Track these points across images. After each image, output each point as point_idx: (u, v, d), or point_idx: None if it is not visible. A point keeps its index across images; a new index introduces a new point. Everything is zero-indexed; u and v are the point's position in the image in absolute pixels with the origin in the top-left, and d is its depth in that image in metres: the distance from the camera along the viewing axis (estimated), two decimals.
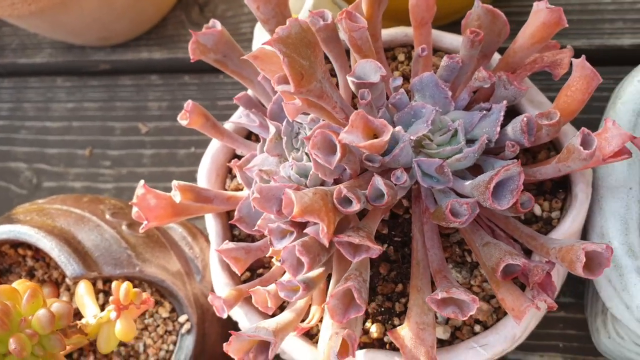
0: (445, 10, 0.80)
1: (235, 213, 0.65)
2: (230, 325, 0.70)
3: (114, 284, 0.63)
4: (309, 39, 0.51)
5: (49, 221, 0.75)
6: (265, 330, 0.53)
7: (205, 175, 0.72)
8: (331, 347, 0.52)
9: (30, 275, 0.79)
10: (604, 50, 0.90)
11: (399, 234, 0.64)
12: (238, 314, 0.66)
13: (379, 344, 0.62)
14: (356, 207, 0.51)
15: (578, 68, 0.54)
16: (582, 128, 0.51)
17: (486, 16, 0.59)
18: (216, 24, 0.65)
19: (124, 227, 0.77)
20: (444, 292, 0.51)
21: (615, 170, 0.61)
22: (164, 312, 0.75)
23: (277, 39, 0.49)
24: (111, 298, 0.63)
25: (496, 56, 0.65)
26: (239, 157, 0.69)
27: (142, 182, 0.64)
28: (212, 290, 0.72)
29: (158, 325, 0.75)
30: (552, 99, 0.62)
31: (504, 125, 0.57)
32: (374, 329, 0.62)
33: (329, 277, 0.60)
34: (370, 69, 0.55)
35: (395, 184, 0.55)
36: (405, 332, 0.54)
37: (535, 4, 0.56)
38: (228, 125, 0.72)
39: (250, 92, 0.70)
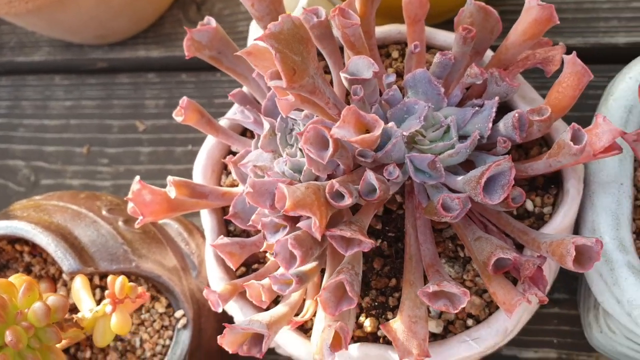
0: (439, 9, 0.81)
1: (230, 209, 0.65)
2: (226, 320, 0.71)
3: (109, 278, 0.64)
4: (301, 34, 0.52)
5: (46, 217, 0.76)
6: (258, 323, 0.53)
7: (200, 172, 0.72)
8: (324, 339, 0.52)
9: (28, 271, 0.80)
10: (598, 48, 0.91)
11: (392, 229, 0.65)
12: (233, 308, 0.66)
13: (372, 338, 0.63)
14: (348, 201, 0.51)
15: (569, 64, 0.55)
16: (573, 123, 0.51)
17: (479, 13, 0.59)
18: (211, 21, 0.65)
19: (120, 223, 0.78)
20: (435, 285, 0.51)
21: (607, 166, 0.61)
22: (160, 308, 0.76)
23: (269, 35, 0.49)
24: (107, 292, 0.63)
25: (489, 53, 0.66)
26: (234, 154, 0.70)
27: (137, 177, 0.64)
28: (208, 285, 0.72)
29: (154, 321, 0.76)
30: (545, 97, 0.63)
31: (496, 121, 0.57)
32: (367, 323, 0.63)
33: (323, 272, 0.61)
34: (363, 65, 0.55)
35: (388, 179, 0.55)
36: (397, 325, 0.54)
37: (527, 1, 0.57)
38: (223, 122, 0.72)
39: (245, 89, 0.71)
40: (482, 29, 0.60)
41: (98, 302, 0.72)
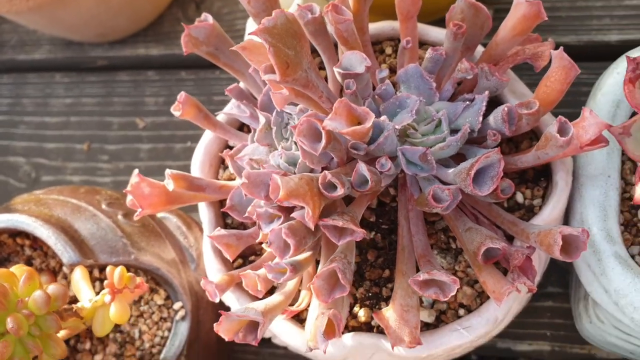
0: (432, 8, 0.82)
1: (227, 201, 0.66)
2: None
3: (108, 268, 0.65)
4: (295, 29, 0.53)
5: (46, 211, 0.77)
6: (254, 311, 0.54)
7: (198, 166, 0.74)
8: (317, 326, 0.54)
9: (28, 264, 0.81)
10: (591, 46, 0.92)
11: (386, 221, 0.66)
12: (230, 299, 0.68)
13: (366, 327, 0.64)
14: (340, 191, 0.52)
15: (557, 59, 0.56)
16: (559, 116, 0.53)
17: (469, 10, 0.61)
18: (208, 18, 0.67)
19: (119, 217, 0.79)
20: (426, 273, 0.53)
21: (595, 159, 0.62)
22: (159, 300, 0.77)
23: (263, 29, 0.50)
24: (105, 282, 0.64)
25: (480, 49, 0.67)
26: (232, 148, 0.71)
27: (136, 171, 0.66)
28: (206, 277, 0.73)
29: (153, 312, 0.77)
30: None
31: (486, 115, 0.59)
32: (361, 313, 0.64)
33: (319, 263, 0.62)
34: (356, 60, 0.57)
35: (381, 172, 0.57)
36: (390, 313, 0.56)
37: None
38: (221, 116, 0.73)
39: (241, 84, 0.72)
40: (473, 25, 0.61)
41: (97, 294, 0.73)
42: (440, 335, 0.61)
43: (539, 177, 0.65)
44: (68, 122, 1.11)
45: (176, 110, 0.68)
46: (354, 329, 0.64)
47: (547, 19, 0.58)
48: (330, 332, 0.54)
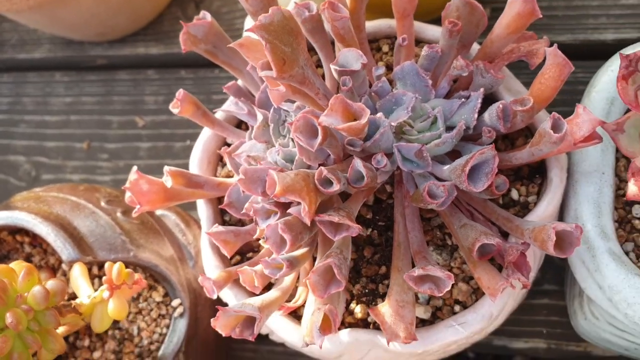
0: (430, 7, 0.83)
1: (225, 198, 0.67)
2: None
3: (106, 265, 0.66)
4: (291, 26, 0.53)
5: (46, 208, 0.78)
6: (250, 306, 0.55)
7: (197, 163, 0.74)
8: (313, 322, 0.54)
9: (28, 261, 0.82)
10: (587, 44, 0.93)
11: (382, 218, 0.67)
12: (228, 295, 0.68)
13: (363, 324, 0.65)
14: (336, 187, 0.53)
15: (551, 56, 0.56)
16: (553, 113, 0.53)
17: (464, 7, 0.61)
18: (206, 15, 0.67)
19: (118, 214, 0.80)
20: (421, 269, 0.53)
21: (590, 155, 0.63)
22: (157, 297, 0.78)
23: (260, 26, 0.51)
24: (104, 278, 0.65)
25: (476, 46, 0.67)
26: (230, 145, 0.72)
27: (135, 168, 0.66)
28: (204, 273, 0.74)
29: (152, 309, 0.78)
30: None
31: (481, 112, 0.59)
32: (358, 310, 0.64)
33: (316, 260, 0.62)
34: (352, 58, 0.57)
35: (377, 168, 0.57)
36: (385, 309, 0.56)
37: None
38: (219, 114, 0.74)
39: (239, 82, 0.73)
40: (468, 22, 0.62)
41: (96, 291, 0.73)
42: (435, 331, 0.61)
43: (534, 174, 0.65)
44: (68, 120, 1.12)
45: (175, 108, 0.68)
46: (350, 325, 0.64)
47: (541, 16, 0.58)
48: (326, 327, 0.54)
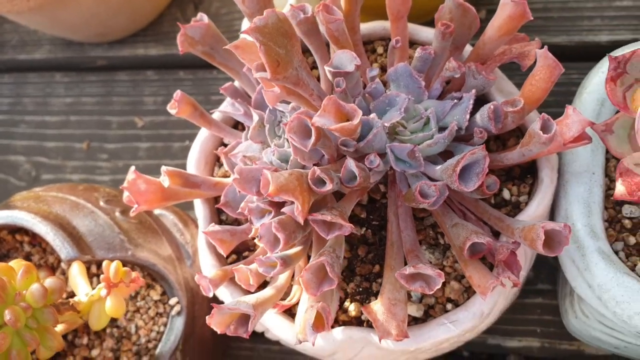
0: (424, 9, 0.84)
1: (222, 198, 0.68)
2: None
3: (104, 263, 0.67)
4: (286, 29, 0.54)
5: (45, 207, 0.79)
6: (245, 304, 0.56)
7: (194, 163, 0.75)
8: (306, 319, 0.55)
9: (27, 260, 0.83)
10: (582, 46, 0.93)
11: (376, 218, 0.68)
12: (224, 293, 0.69)
13: (357, 322, 0.65)
14: (329, 187, 0.54)
15: (541, 58, 0.57)
16: (542, 114, 0.54)
17: (457, 10, 0.62)
18: (203, 17, 0.68)
19: (117, 214, 0.81)
20: (412, 267, 0.54)
21: (580, 156, 0.64)
22: (155, 295, 0.79)
23: (254, 28, 0.52)
24: (101, 276, 0.66)
25: (469, 48, 0.68)
26: (227, 146, 0.73)
27: (132, 167, 0.67)
28: (200, 272, 0.75)
29: (149, 308, 0.79)
30: None
31: (473, 113, 0.60)
32: (352, 308, 0.65)
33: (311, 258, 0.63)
34: (346, 59, 0.58)
35: (370, 168, 0.58)
36: (377, 307, 0.57)
37: None
38: (216, 115, 0.75)
39: (236, 83, 0.74)
40: (461, 24, 0.63)
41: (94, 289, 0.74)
42: (428, 329, 0.62)
43: (526, 174, 0.66)
44: (68, 121, 1.13)
45: (172, 109, 0.69)
46: (344, 323, 0.65)
47: (532, 18, 0.59)
48: (319, 325, 0.55)
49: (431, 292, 0.54)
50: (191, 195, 0.70)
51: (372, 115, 0.58)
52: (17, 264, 0.63)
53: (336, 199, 0.62)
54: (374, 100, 0.61)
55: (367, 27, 0.74)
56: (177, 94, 0.69)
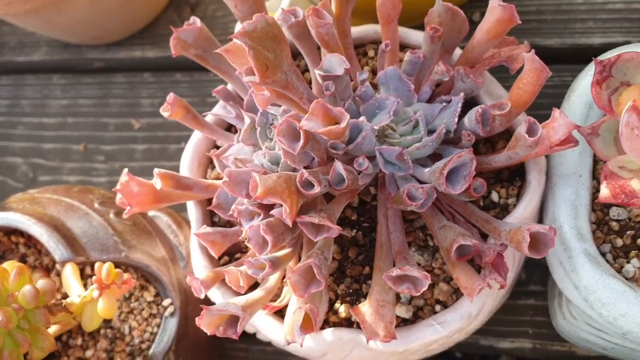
0: (414, 13, 0.84)
1: (214, 200, 0.68)
2: None
3: (96, 265, 0.67)
4: (275, 33, 0.55)
5: (40, 209, 0.79)
6: (234, 306, 0.56)
7: (187, 165, 0.76)
8: (294, 320, 0.56)
9: (23, 261, 0.83)
10: (575, 48, 0.94)
11: (367, 220, 0.68)
12: (215, 295, 0.70)
13: (347, 323, 0.66)
14: (317, 189, 0.54)
15: (529, 62, 0.58)
16: (528, 117, 0.54)
17: (446, 14, 0.63)
18: (196, 21, 0.69)
19: (111, 215, 0.81)
20: (398, 269, 0.55)
21: (568, 159, 0.64)
22: (148, 296, 0.79)
23: (243, 33, 0.52)
24: (93, 278, 0.66)
25: (458, 51, 0.69)
26: (219, 148, 0.73)
27: (125, 170, 0.68)
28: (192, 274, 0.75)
29: (143, 309, 0.79)
30: None
31: (462, 116, 0.61)
32: (342, 309, 0.66)
33: None
34: (336, 63, 0.59)
35: (359, 171, 0.59)
36: (365, 308, 0.58)
37: (490, 1, 0.60)
38: (209, 117, 0.75)
39: (229, 86, 0.74)
40: (450, 28, 0.63)
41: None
42: (416, 331, 0.62)
43: (514, 177, 0.67)
44: (65, 123, 1.13)
45: (165, 111, 0.70)
46: (335, 325, 0.66)
47: (520, 22, 0.59)
48: (307, 326, 0.56)
49: (418, 294, 0.54)
50: (184, 197, 0.71)
51: (362, 118, 0.59)
52: (10, 266, 0.64)
53: (327, 201, 0.63)
54: (364, 103, 0.62)
55: (358, 30, 0.74)
56: (170, 96, 0.69)
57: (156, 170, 0.67)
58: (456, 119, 0.60)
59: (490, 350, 0.88)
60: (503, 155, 0.59)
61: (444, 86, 0.66)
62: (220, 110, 0.70)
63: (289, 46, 0.58)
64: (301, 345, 0.55)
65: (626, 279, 0.60)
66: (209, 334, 0.57)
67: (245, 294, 0.62)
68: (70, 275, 0.70)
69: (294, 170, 0.61)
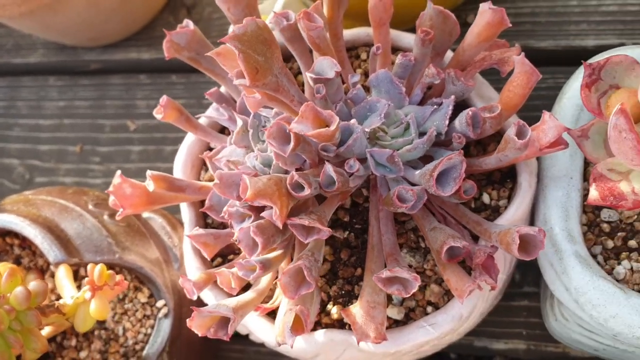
0: (407, 15, 0.84)
1: (206, 202, 0.68)
2: None
3: (89, 266, 0.67)
4: (265, 36, 0.55)
5: (34, 211, 0.80)
6: (225, 307, 0.56)
7: (180, 167, 0.76)
8: (285, 322, 0.56)
9: (17, 263, 0.84)
10: (569, 50, 0.94)
11: (359, 221, 0.68)
12: (208, 296, 0.70)
13: (339, 324, 0.66)
14: (307, 191, 0.54)
15: (519, 65, 0.58)
16: (517, 120, 0.55)
17: (438, 17, 0.63)
18: (189, 24, 0.69)
19: (105, 217, 0.81)
20: (388, 271, 0.55)
21: (559, 161, 0.64)
22: (142, 298, 0.79)
23: (233, 37, 0.53)
24: (86, 279, 0.67)
25: (450, 54, 0.69)
26: (213, 150, 0.73)
27: (118, 172, 0.68)
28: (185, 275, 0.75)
29: (137, 310, 0.79)
30: None
31: (453, 118, 0.61)
32: (334, 311, 0.66)
33: None
34: (327, 66, 0.59)
35: (350, 173, 0.59)
36: (356, 309, 0.58)
37: (480, 5, 0.60)
38: (202, 119, 0.76)
39: (222, 88, 0.74)
40: (441, 31, 0.64)
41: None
42: (407, 332, 0.62)
43: (506, 179, 0.67)
44: (61, 124, 1.14)
45: (158, 114, 0.70)
46: (327, 326, 0.66)
47: (510, 25, 0.60)
48: (298, 327, 0.56)
49: (408, 295, 0.55)
50: (176, 199, 0.71)
51: (353, 120, 0.59)
52: (2, 267, 0.64)
53: (319, 203, 0.63)
54: (356, 106, 0.62)
55: (351, 33, 0.74)
56: (163, 99, 0.70)
57: (149, 172, 0.67)
58: (447, 122, 0.60)
59: (484, 352, 0.88)
60: (493, 157, 0.59)
61: (435, 89, 0.66)
62: (213, 112, 0.71)
63: (282, 49, 0.59)
64: (291, 347, 0.55)
65: (617, 280, 0.61)
66: (200, 335, 0.57)
67: (237, 295, 0.63)
68: (63, 276, 0.71)
69: (286, 172, 0.61)
